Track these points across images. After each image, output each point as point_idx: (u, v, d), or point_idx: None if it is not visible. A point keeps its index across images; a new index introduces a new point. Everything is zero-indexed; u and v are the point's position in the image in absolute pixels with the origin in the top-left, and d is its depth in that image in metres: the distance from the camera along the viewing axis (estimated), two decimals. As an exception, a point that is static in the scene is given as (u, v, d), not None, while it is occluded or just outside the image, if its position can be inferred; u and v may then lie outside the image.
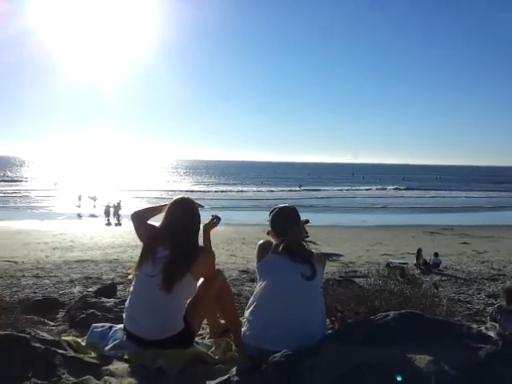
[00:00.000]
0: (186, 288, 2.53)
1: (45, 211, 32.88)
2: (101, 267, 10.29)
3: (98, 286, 6.55)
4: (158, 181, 69.27)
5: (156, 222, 2.80)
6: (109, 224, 25.68)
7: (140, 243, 2.74)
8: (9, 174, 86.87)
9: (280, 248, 2.46)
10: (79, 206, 33.68)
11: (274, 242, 2.57)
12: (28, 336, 2.32)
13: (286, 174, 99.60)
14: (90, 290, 6.76)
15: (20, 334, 2.32)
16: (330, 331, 2.46)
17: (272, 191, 54.87)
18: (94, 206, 32.63)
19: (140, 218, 2.81)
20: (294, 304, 2.33)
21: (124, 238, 16.95)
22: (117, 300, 4.33)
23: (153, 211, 2.88)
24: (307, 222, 2.69)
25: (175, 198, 2.79)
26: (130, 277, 2.68)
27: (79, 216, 29.85)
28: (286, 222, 2.58)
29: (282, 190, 55.50)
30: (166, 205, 2.85)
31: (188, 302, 2.60)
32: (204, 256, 2.61)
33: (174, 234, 2.58)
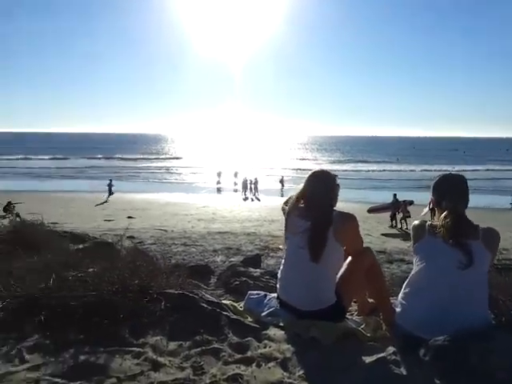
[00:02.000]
0: (334, 255, 2.58)
1: (189, 185, 35.97)
2: (240, 239, 10.91)
3: (241, 257, 6.98)
4: (291, 158, 70.43)
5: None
6: (246, 199, 27.10)
7: (275, 218, 2.86)
8: (153, 150, 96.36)
9: (438, 229, 2.34)
10: (219, 183, 35.98)
11: (428, 222, 2.46)
12: (197, 296, 2.62)
13: (427, 152, 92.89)
14: (232, 259, 7.25)
15: (190, 295, 2.63)
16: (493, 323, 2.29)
17: (413, 170, 51.86)
18: (235, 183, 34.69)
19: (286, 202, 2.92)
20: (453, 291, 2.20)
21: (260, 213, 17.72)
22: (262, 270, 4.58)
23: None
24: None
25: (314, 170, 2.86)
26: (280, 247, 2.83)
27: (219, 190, 32.02)
28: (453, 190, 2.41)
29: (426, 170, 50.61)
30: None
31: (338, 277, 2.66)
32: (344, 219, 2.63)
33: (314, 204, 2.65)
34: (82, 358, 2.05)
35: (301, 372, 1.98)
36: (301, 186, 2.84)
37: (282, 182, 33.62)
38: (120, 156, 69.39)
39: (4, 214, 16.03)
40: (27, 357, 2.06)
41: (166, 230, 12.03)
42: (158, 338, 2.26)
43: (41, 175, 42.48)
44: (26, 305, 2.53)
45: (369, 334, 2.46)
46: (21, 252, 3.57)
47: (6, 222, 5.51)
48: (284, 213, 2.86)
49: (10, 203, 17.83)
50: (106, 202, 23.53)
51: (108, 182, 28.23)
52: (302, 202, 2.77)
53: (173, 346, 2.19)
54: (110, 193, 27.05)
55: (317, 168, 2.94)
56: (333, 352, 2.19)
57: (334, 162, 66.46)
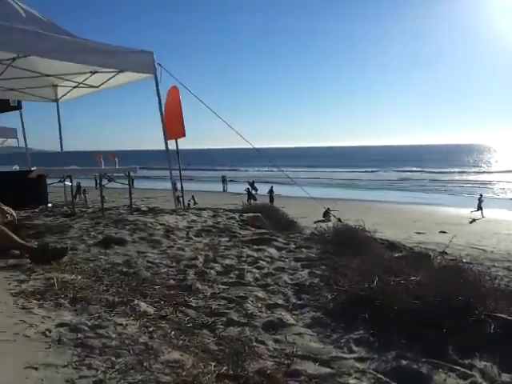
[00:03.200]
0: None
1: (512, 202, 31.57)
2: None
3: None
4: None
5: None
6: None
7: None
8: (478, 162, 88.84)
9: None
10: None
11: None
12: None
13: None
14: None
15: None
16: None
17: None
18: None
19: None
20: None
21: None
22: None
23: None
24: None
25: None
26: None
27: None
28: None
29: None
30: None
31: None
32: None
33: None
34: (404, 362, 2.06)
35: None
36: None
37: None
38: (430, 169, 67.37)
39: (323, 218, 18.23)
40: (354, 348, 2.23)
41: (484, 250, 10.97)
42: (488, 364, 2.04)
43: (354, 186, 45.86)
44: (351, 300, 2.75)
45: None
46: (345, 252, 3.93)
47: (329, 224, 6.18)
48: None
49: (328, 209, 20.08)
50: (479, 218, 22.21)
51: (478, 196, 26.40)
52: None
53: (507, 377, 1.93)
54: (480, 208, 25.18)
55: None
56: None
57: None
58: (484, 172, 66.41)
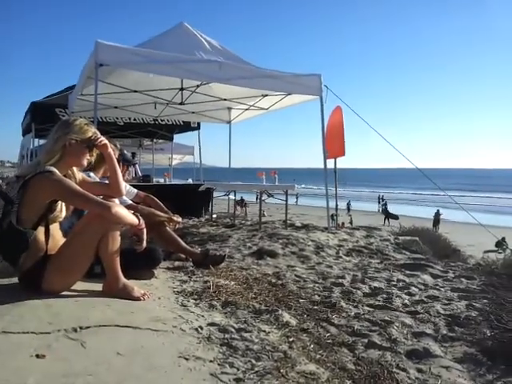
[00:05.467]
0: None
1: None
2: None
3: None
4: None
5: None
6: None
7: None
8: None
9: None
10: None
11: None
12: None
13: None
14: None
15: None
16: None
17: None
18: None
19: None
20: None
21: None
22: None
23: None
24: None
25: None
26: None
27: None
28: None
29: None
30: None
31: None
32: None
33: None
34: None
35: None
36: None
37: None
38: None
39: (496, 249, 16.22)
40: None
41: None
42: None
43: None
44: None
45: None
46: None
47: (492, 255, 5.54)
48: None
49: (503, 239, 17.81)
50: None
51: None
52: None
53: None
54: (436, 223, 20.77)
55: None
56: None
57: None
58: None
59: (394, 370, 2.09)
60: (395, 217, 26.13)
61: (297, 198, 40.69)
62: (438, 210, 26.59)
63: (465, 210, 8.25)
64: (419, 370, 2.12)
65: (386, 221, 25.64)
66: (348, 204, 32.71)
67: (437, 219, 25.69)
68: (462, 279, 4.23)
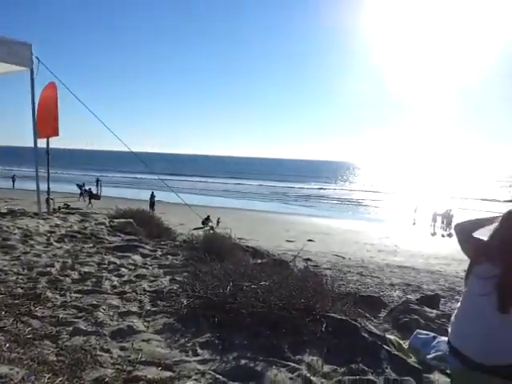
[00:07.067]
0: None
1: (375, 215, 35.18)
2: (422, 276, 10.17)
3: (419, 295, 6.51)
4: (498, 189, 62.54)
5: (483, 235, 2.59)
6: (434, 234, 25.15)
7: (466, 257, 2.59)
8: (344, 177, 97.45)
9: None
10: (414, 220, 31.98)
11: None
12: (359, 325, 2.57)
13: None
14: (408, 296, 6.81)
15: (352, 322, 2.60)
16: None
17: None
18: (414, 219, 31.68)
19: (464, 231, 2.65)
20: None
21: (450, 250, 16.21)
22: (439, 312, 4.21)
23: (479, 223, 2.68)
24: None
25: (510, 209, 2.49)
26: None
27: (405, 223, 30.38)
28: None
29: None
30: (495, 217, 2.60)
31: None
32: None
33: (508, 250, 2.30)
34: (243, 362, 2.21)
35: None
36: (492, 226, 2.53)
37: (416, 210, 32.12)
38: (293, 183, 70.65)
39: (202, 226, 18.49)
40: (199, 351, 2.33)
41: (343, 257, 11.99)
42: (315, 358, 2.29)
43: (231, 195, 46.92)
44: (205, 305, 2.86)
45: None
46: (208, 259, 4.05)
47: (200, 232, 6.32)
48: (468, 252, 2.61)
49: (208, 217, 20.42)
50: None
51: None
52: (496, 244, 2.46)
53: (327, 368, 2.19)
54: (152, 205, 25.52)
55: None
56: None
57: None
58: (350, 189, 72.65)
59: (98, 352, 2.17)
60: (97, 197, 27.10)
61: (13, 181, 35.97)
62: (152, 192, 28.06)
63: (174, 191, 9.00)
64: (122, 348, 2.26)
65: (89, 201, 25.86)
66: (80, 186, 30.85)
67: (152, 201, 27.13)
68: (169, 256, 4.66)
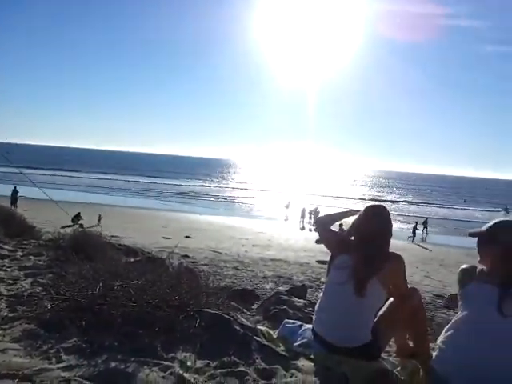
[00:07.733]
0: (375, 295, 2.49)
1: (250, 211, 36.38)
2: (292, 268, 10.82)
3: (289, 286, 6.92)
4: (358, 191, 69.76)
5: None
6: (303, 228, 26.94)
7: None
8: (222, 175, 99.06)
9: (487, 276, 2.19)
10: (286, 216, 33.87)
11: (478, 267, 2.31)
12: (231, 319, 2.64)
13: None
14: (280, 288, 7.20)
15: (225, 316, 2.66)
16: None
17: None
18: (286, 215, 33.76)
19: (324, 225, 2.90)
20: (493, 344, 2.02)
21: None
22: (306, 301, 4.52)
23: (334, 218, 2.96)
24: None
25: (369, 204, 2.80)
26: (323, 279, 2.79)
27: (278, 218, 32.00)
28: None
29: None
30: (351, 211, 2.91)
31: (379, 315, 2.56)
32: (392, 261, 2.53)
33: (365, 241, 2.57)
34: (113, 364, 2.12)
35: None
36: (351, 219, 2.80)
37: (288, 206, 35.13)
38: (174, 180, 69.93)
39: (72, 223, 17.30)
40: (64, 357, 2.17)
41: (220, 253, 12.21)
42: (188, 354, 2.30)
43: (100, 191, 44.72)
44: (71, 308, 2.68)
45: (403, 378, 2.34)
46: (76, 259, 3.80)
47: (69, 230, 5.90)
48: (328, 245, 2.83)
49: (79, 214, 19.16)
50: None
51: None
52: (352, 235, 2.71)
53: (200, 364, 2.21)
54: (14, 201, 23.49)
55: (373, 203, 2.90)
56: (361, 392, 2.10)
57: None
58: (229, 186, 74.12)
59: None
60: None
61: None
62: (15, 187, 25.40)
63: (37, 187, 8.29)
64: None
65: None
66: None
67: (15, 197, 24.58)
68: (31, 257, 4.27)
